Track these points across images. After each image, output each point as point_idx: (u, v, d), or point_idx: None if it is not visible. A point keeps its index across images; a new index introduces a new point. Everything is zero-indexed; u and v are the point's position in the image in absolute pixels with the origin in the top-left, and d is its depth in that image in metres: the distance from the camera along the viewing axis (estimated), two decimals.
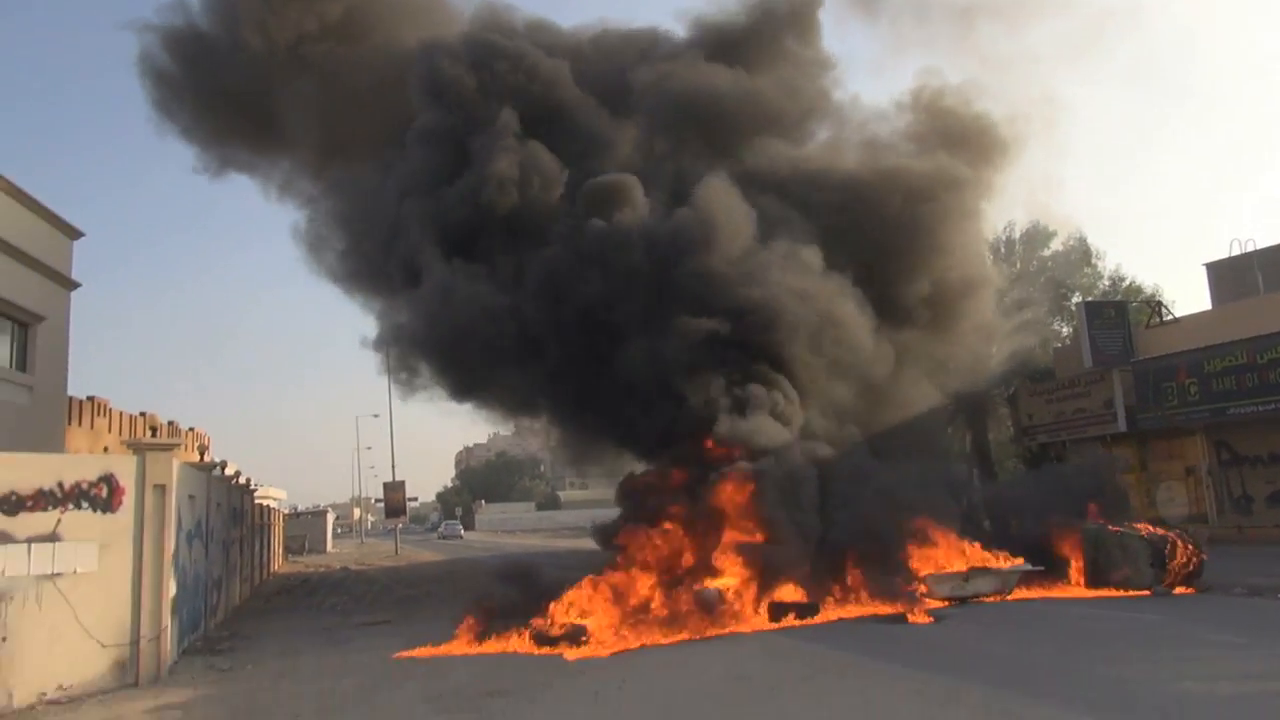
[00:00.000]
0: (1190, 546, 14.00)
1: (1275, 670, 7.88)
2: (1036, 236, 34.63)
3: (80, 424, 22.86)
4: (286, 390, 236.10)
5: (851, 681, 8.43)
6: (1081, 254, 36.30)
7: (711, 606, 12.44)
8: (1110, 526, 14.81)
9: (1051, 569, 14.85)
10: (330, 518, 64.58)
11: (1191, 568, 13.98)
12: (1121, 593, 13.85)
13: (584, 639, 11.57)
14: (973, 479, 33.89)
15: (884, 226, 19.09)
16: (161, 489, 11.14)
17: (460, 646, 12.09)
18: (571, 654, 11.16)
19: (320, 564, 41.49)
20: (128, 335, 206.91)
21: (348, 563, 41.08)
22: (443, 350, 21.30)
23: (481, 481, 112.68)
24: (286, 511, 61.67)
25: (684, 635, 11.80)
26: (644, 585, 12.93)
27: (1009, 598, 13.78)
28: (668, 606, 12.49)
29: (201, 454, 17.16)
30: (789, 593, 12.88)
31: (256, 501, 29.73)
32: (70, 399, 21.59)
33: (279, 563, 40.39)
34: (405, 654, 11.88)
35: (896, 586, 12.78)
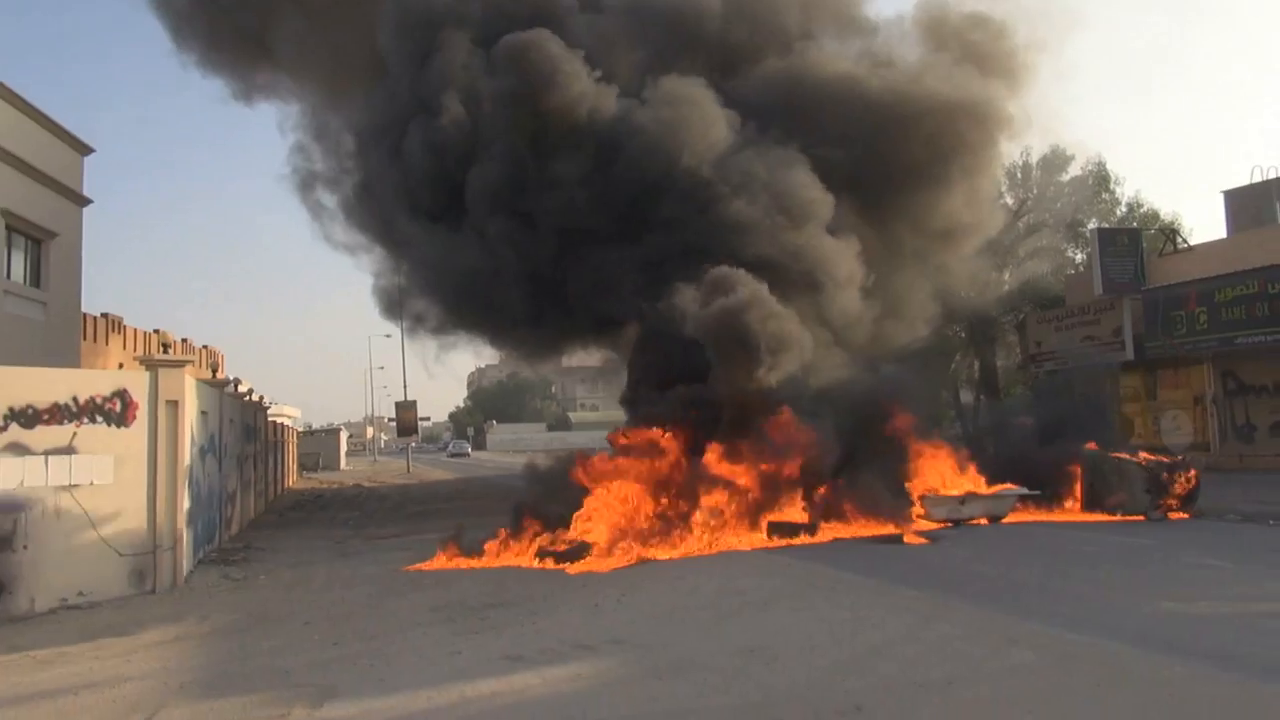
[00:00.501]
0: (1186, 473, 14.17)
1: (1254, 593, 8.09)
2: (1054, 161, 34.09)
3: (95, 340, 23.17)
4: (302, 310, 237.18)
5: (843, 596, 8.69)
6: (1099, 180, 35.77)
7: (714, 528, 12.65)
8: (1110, 453, 14.98)
9: (1049, 494, 15.05)
10: (344, 436, 65.58)
11: (1186, 494, 14.17)
12: (1117, 517, 14.08)
13: (584, 555, 11.90)
14: (979, 404, 34.14)
15: (900, 159, 18.27)
16: (174, 404, 11.38)
17: (466, 560, 12.44)
18: (574, 569, 11.50)
19: (334, 481, 42.35)
20: (143, 254, 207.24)
21: (360, 480, 41.92)
22: (448, 316, 21.23)
23: (493, 402, 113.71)
24: (301, 429, 62.73)
25: (684, 551, 12.13)
26: (648, 500, 13.20)
27: (1005, 521, 14.04)
28: (670, 523, 12.77)
29: (214, 371, 17.40)
30: (787, 512, 13.16)
31: (270, 419, 30.25)
32: (85, 316, 21.86)
33: (293, 479, 41.19)
34: (413, 567, 12.27)
35: (891, 507, 13.01)
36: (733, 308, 13.77)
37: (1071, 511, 14.77)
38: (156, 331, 27.82)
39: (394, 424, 55.55)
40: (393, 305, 24.50)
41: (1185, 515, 14.01)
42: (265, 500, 25.86)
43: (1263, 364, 21.74)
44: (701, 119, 16.24)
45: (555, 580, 10.86)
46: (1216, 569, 9.21)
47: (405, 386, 48.94)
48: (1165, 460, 14.63)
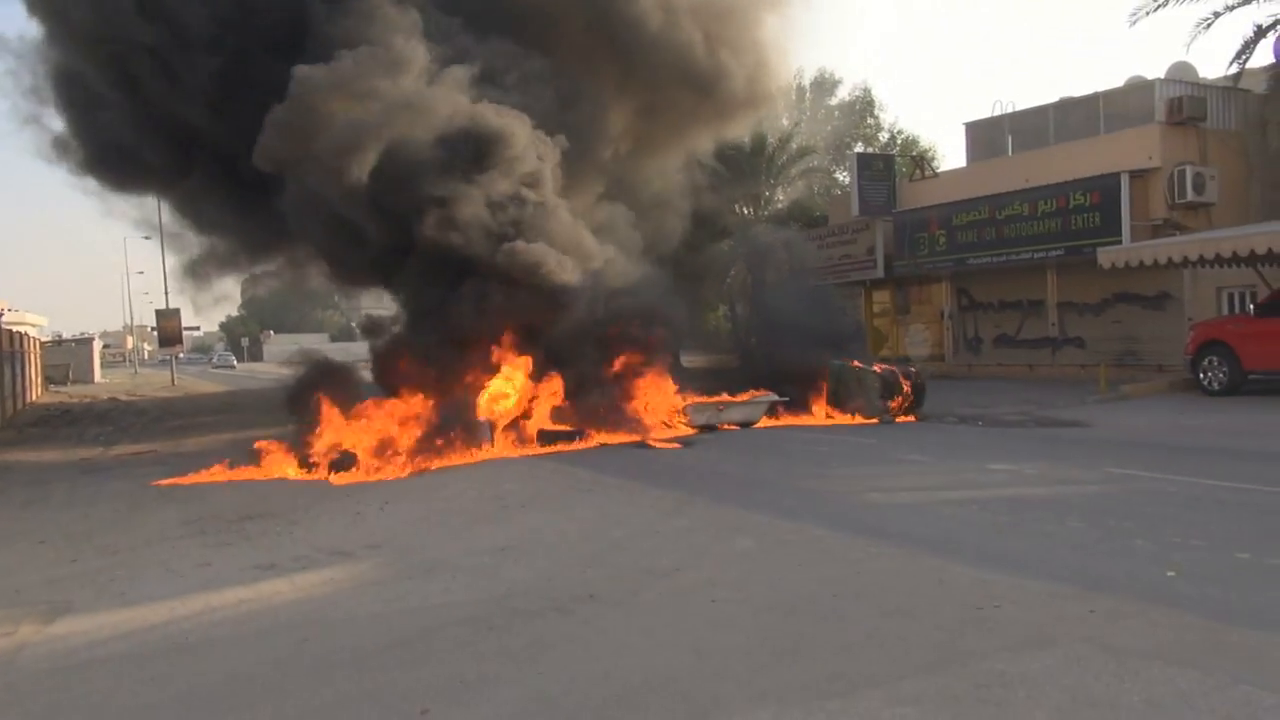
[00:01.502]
0: (913, 380, 15.79)
1: (943, 483, 9.30)
2: (823, 84, 35.82)
3: None
4: (49, 205, 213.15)
5: (597, 497, 9.24)
6: (865, 105, 38.01)
7: (482, 439, 12.92)
8: (852, 363, 16.42)
9: (800, 400, 16.33)
10: (97, 346, 60.46)
11: (914, 399, 15.80)
12: (856, 420, 15.53)
13: (351, 465, 11.89)
14: (752, 317, 36.01)
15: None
16: None
17: (226, 474, 12.12)
18: (339, 479, 11.49)
19: (86, 394, 39.26)
20: None
21: (117, 393, 39.10)
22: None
23: (270, 311, 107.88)
24: (48, 339, 57.36)
25: (453, 460, 12.35)
26: (415, 409, 13.26)
27: (758, 425, 15.16)
28: (438, 432, 12.91)
29: None
30: (556, 420, 13.65)
31: (5, 328, 27.55)
32: None
33: (38, 393, 37.88)
34: (167, 481, 11.82)
35: (632, 418, 13.74)
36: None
37: (818, 416, 16.10)
38: None
39: (157, 333, 51.80)
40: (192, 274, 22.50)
41: (912, 418, 15.64)
42: (2, 416, 23.78)
43: (990, 283, 24.27)
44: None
45: (319, 491, 10.83)
46: (921, 464, 10.48)
47: (166, 293, 44.84)
48: (896, 369, 16.22)
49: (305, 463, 12.06)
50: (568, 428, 13.50)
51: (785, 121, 38.19)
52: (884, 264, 26.05)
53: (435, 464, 12.10)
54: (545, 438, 13.33)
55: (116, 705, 4.65)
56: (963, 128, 26.46)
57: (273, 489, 11.07)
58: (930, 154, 37.21)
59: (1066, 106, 23.73)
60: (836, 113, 37.57)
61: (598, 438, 13.60)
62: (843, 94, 38.25)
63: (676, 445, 12.92)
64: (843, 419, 15.69)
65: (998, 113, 26.37)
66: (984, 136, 25.86)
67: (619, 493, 9.41)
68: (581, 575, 6.48)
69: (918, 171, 27.85)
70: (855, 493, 8.87)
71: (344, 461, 11.96)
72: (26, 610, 6.37)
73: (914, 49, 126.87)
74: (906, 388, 15.66)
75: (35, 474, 13.50)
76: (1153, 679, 4.14)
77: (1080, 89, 61.27)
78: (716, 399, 15.07)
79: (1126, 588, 5.51)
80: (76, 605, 6.46)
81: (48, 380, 47.95)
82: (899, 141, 37.92)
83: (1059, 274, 22.39)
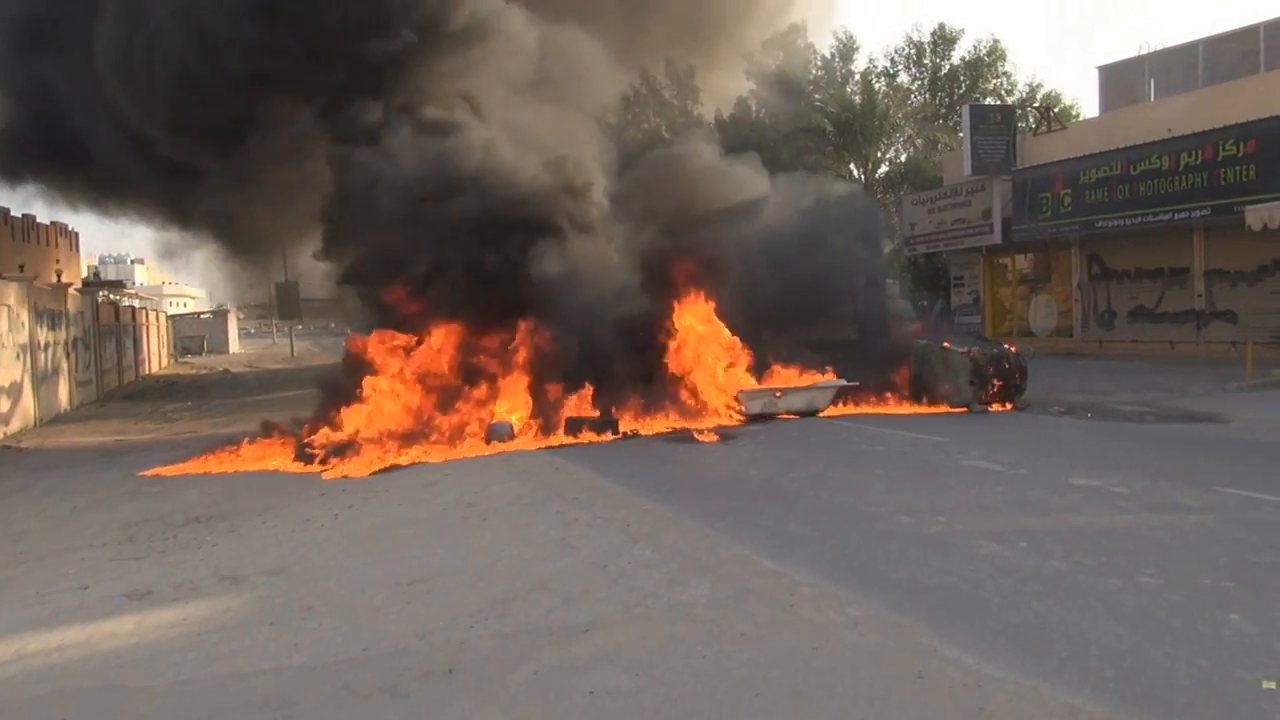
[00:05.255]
0: (1010, 364, 13.57)
1: (1002, 503, 7.31)
2: (944, 40, 32.79)
3: None
4: None
5: (573, 510, 7.77)
6: (994, 56, 34.68)
7: (503, 439, 11.67)
8: (941, 344, 14.32)
9: (879, 385, 14.39)
10: (234, 318, 62.88)
11: (1011, 386, 13.60)
12: (941, 409, 13.50)
13: (346, 455, 10.85)
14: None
15: None
16: None
17: (221, 464, 11.32)
18: (330, 473, 10.46)
19: (207, 365, 40.65)
20: None
21: (236, 365, 40.29)
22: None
23: None
24: (204, 311, 60.48)
25: (463, 453, 11.16)
26: (426, 401, 12.14)
27: (823, 414, 13.34)
28: (451, 427, 11.73)
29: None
30: (588, 409, 12.22)
31: (125, 304, 28.39)
32: None
33: (160, 364, 39.32)
34: (153, 472, 11.07)
35: (674, 404, 12.18)
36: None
37: (900, 404, 14.11)
38: None
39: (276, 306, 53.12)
40: None
41: (1009, 407, 13.47)
42: (99, 388, 24.26)
43: (1125, 249, 21.33)
44: None
45: (295, 488, 9.82)
46: (986, 473, 8.49)
47: (285, 266, 44.58)
48: (993, 351, 14.01)
49: (301, 453, 11.08)
50: (598, 415, 12.04)
51: (904, 78, 35.37)
52: (1002, 228, 23.32)
53: (441, 456, 10.92)
54: (573, 426, 11.92)
55: None
56: (1095, 72, 23.37)
57: (251, 484, 10.15)
58: (1071, 106, 33.62)
59: (1218, 42, 20.43)
60: (960, 68, 34.38)
61: (633, 426, 12.14)
62: (967, 46, 34.98)
63: (714, 438, 11.29)
64: (932, 407, 13.65)
65: (1142, 52, 23.17)
66: (1120, 81, 22.73)
67: (602, 504, 7.91)
68: (466, 632, 5.06)
69: (1043, 124, 24.84)
70: (881, 514, 7.08)
71: (337, 452, 10.91)
72: None
73: None
74: (1003, 373, 13.45)
75: (54, 456, 13.12)
76: None
77: (1236, 21, 55.05)
78: (773, 384, 13.32)
79: (1192, 709, 3.67)
80: None
81: (183, 351, 50.14)
82: (1037, 96, 34.32)
83: (1206, 237, 19.34)
